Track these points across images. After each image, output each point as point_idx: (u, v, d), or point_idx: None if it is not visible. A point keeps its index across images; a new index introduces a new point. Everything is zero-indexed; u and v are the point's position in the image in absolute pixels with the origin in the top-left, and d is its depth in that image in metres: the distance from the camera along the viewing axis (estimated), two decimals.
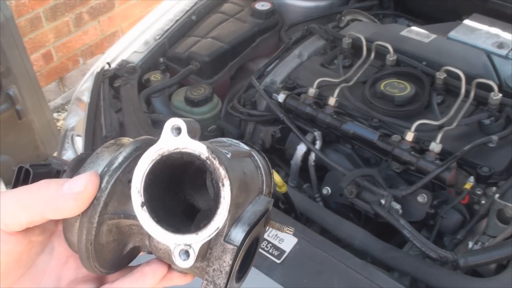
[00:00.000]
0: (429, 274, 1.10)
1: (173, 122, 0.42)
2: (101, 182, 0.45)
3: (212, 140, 0.53)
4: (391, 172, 1.34)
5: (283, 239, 1.17)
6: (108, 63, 1.72)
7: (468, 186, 1.22)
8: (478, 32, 1.57)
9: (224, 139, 0.54)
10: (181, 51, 1.79)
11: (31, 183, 0.47)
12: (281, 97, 1.48)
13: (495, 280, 1.07)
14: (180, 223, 0.44)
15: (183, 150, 0.41)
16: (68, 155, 1.63)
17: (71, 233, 0.47)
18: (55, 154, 2.59)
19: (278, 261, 1.14)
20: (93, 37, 3.42)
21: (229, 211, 0.41)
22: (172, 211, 0.47)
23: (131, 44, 1.81)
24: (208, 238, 0.42)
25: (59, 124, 3.08)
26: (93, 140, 1.50)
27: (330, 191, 1.39)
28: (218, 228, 0.42)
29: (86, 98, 1.63)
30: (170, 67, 1.80)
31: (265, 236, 1.16)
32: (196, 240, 0.42)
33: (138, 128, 1.47)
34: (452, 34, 1.59)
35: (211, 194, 0.50)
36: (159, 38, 1.82)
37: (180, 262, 0.42)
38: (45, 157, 2.69)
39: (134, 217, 0.46)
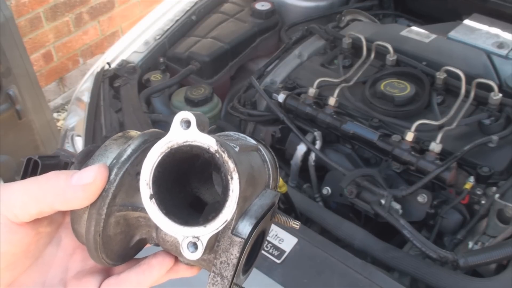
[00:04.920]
0: (429, 274, 1.10)
1: (182, 115, 0.42)
2: (109, 174, 0.45)
3: (219, 134, 0.53)
4: (391, 172, 1.34)
5: (283, 239, 1.17)
6: (108, 63, 1.73)
7: (468, 186, 1.22)
8: (478, 32, 1.57)
9: (231, 133, 0.55)
10: (181, 51, 1.79)
11: (40, 174, 0.47)
12: (281, 97, 1.48)
13: (495, 280, 1.07)
14: (188, 216, 0.44)
15: (192, 143, 0.42)
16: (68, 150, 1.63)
17: (79, 224, 0.47)
18: None
19: (278, 261, 1.14)
20: (93, 37, 3.42)
21: (237, 204, 0.42)
22: (180, 204, 0.47)
23: (131, 44, 1.81)
24: (216, 231, 0.42)
25: (59, 124, 3.08)
26: (93, 140, 1.50)
27: (330, 191, 1.39)
28: (226, 220, 0.42)
29: (86, 98, 1.63)
30: (170, 67, 1.80)
31: None
32: (204, 232, 0.42)
33: (138, 128, 1.47)
34: (452, 34, 1.59)
35: (218, 188, 0.51)
36: (159, 38, 1.82)
37: (188, 254, 0.42)
38: None
39: (141, 209, 0.46)
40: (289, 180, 1.50)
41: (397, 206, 1.25)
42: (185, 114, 0.42)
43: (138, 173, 0.43)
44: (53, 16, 3.11)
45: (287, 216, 0.53)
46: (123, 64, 1.71)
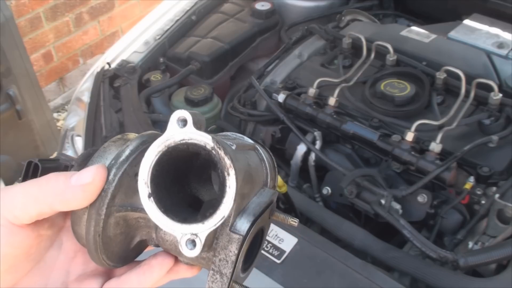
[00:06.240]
0: (429, 274, 1.10)
1: (179, 114, 0.42)
2: (108, 175, 0.46)
3: (217, 134, 0.53)
4: (391, 172, 1.34)
5: (283, 239, 1.17)
6: (108, 63, 1.72)
7: (468, 186, 1.22)
8: (478, 32, 1.57)
9: (228, 133, 0.55)
10: (181, 51, 1.79)
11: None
12: (281, 97, 1.48)
13: (495, 280, 1.07)
14: (187, 214, 0.44)
15: (189, 141, 0.42)
16: (68, 155, 1.63)
17: (79, 225, 0.48)
18: (55, 154, 2.59)
19: (278, 261, 1.14)
20: (93, 37, 3.42)
21: (234, 200, 0.42)
22: (179, 203, 0.47)
23: (131, 44, 1.81)
24: (214, 227, 0.42)
25: (59, 124, 3.08)
26: (93, 140, 1.50)
27: (330, 191, 1.39)
28: (224, 217, 0.42)
29: (86, 98, 1.63)
30: (170, 67, 1.80)
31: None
32: (202, 229, 0.42)
33: (138, 128, 1.47)
34: (452, 34, 1.59)
35: (216, 187, 0.51)
36: (159, 38, 1.82)
37: (187, 252, 0.43)
38: (45, 157, 2.68)
39: (141, 210, 0.46)
40: (289, 180, 1.50)
41: (397, 206, 1.25)
42: (182, 113, 0.42)
43: (137, 174, 0.44)
44: (53, 16, 3.11)
45: (285, 214, 0.54)
46: (123, 64, 1.71)
